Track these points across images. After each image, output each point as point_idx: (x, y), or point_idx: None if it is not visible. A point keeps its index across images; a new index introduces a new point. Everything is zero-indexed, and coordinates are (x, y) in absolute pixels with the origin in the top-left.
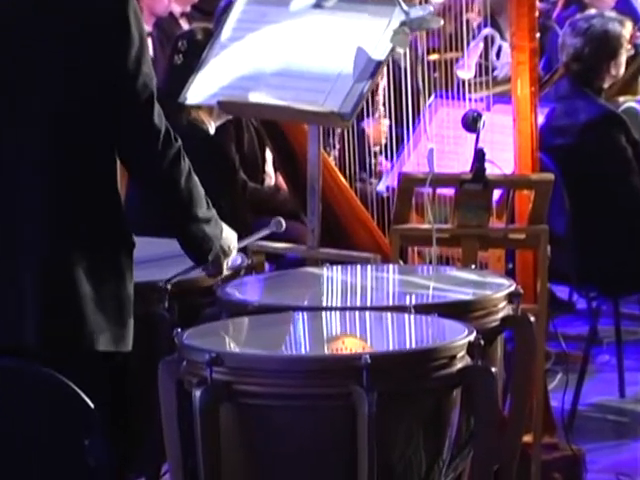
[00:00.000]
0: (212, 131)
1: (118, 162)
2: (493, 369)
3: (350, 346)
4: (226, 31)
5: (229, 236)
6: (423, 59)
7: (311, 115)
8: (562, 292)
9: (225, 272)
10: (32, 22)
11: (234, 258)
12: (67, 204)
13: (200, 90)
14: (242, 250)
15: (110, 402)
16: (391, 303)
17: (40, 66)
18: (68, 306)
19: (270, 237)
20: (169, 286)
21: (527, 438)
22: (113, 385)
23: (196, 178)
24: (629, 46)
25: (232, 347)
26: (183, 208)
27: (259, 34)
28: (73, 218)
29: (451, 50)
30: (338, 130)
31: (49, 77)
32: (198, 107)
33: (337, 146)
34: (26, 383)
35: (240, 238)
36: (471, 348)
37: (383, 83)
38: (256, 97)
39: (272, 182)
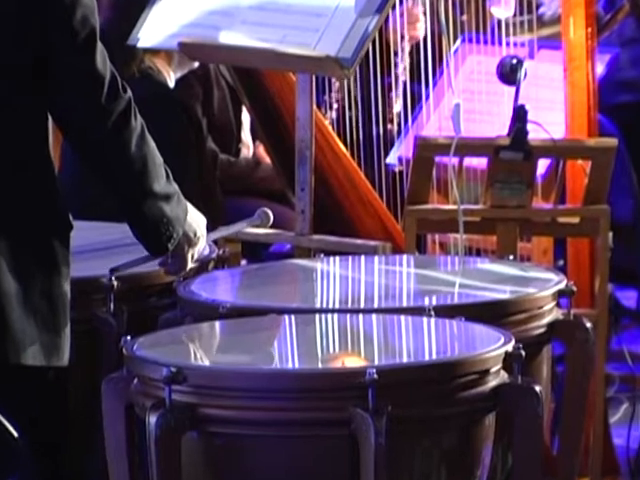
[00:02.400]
0: (171, 84)
1: (51, 122)
2: (537, 388)
3: (352, 360)
4: None
5: (196, 220)
6: None
7: (300, 61)
8: (629, 298)
9: (189, 267)
10: None
11: (201, 249)
12: None
13: (156, 29)
14: (212, 241)
15: (41, 431)
16: (405, 304)
17: None
18: None
19: None
20: (115, 281)
21: None
22: (45, 409)
23: (152, 142)
24: None
25: (197, 360)
26: (134, 180)
27: None
28: None
29: None
30: (336, 82)
31: None
32: (153, 52)
33: (335, 105)
34: None
35: (209, 223)
36: (508, 361)
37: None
38: (229, 38)
39: (250, 153)
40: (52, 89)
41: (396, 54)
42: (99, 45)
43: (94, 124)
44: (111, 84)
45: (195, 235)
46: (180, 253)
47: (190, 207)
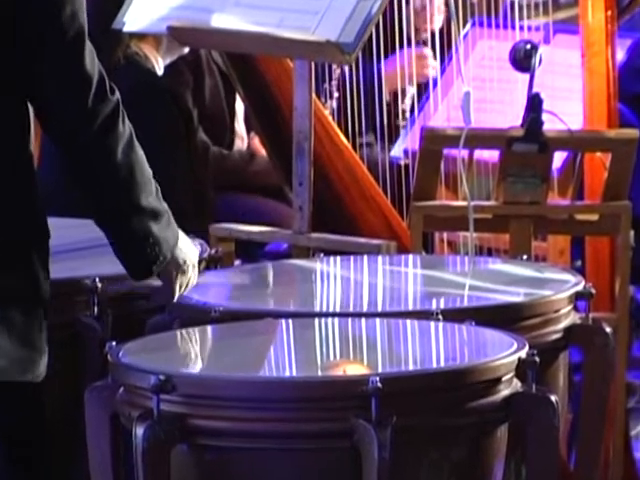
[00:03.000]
0: (160, 72)
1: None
2: (553, 398)
3: (354, 367)
4: None
5: (187, 248)
6: None
7: (298, 47)
8: None
9: (176, 298)
10: None
11: (192, 282)
12: None
13: (143, 12)
14: (202, 236)
15: (19, 449)
16: (411, 307)
17: None
18: None
19: (244, 219)
20: (99, 283)
21: None
22: (22, 426)
23: (141, 151)
24: None
25: (188, 367)
26: (118, 189)
27: None
28: None
29: None
30: (337, 69)
31: None
32: (140, 37)
33: (336, 94)
34: None
35: (200, 221)
36: (522, 369)
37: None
38: (222, 21)
39: (244, 145)
40: (37, 89)
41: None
42: (88, 44)
43: (79, 127)
44: (99, 85)
45: (185, 263)
46: (167, 279)
47: (182, 234)
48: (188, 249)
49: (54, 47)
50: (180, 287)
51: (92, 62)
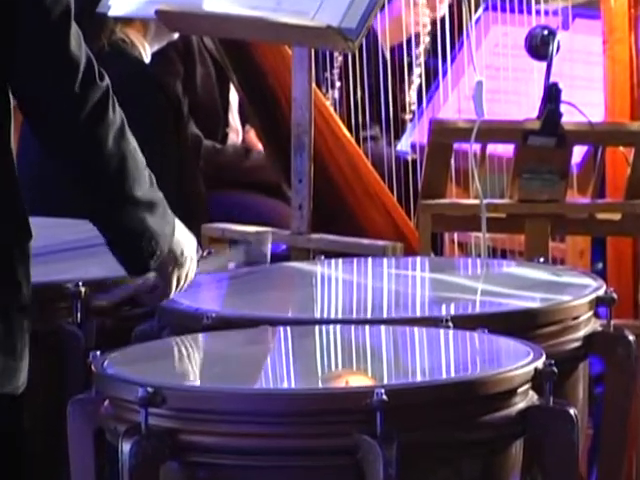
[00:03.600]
0: (147, 59)
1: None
2: (572, 411)
3: (357, 379)
4: None
5: (184, 239)
6: None
7: (297, 33)
8: None
9: (173, 294)
10: None
11: (191, 275)
12: None
13: None
14: (195, 226)
15: None
16: (418, 314)
17: None
18: None
19: (238, 219)
20: (83, 287)
21: None
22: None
23: (134, 141)
24: None
25: (178, 379)
26: (110, 181)
27: None
28: None
29: None
30: (339, 56)
31: None
32: (126, 22)
33: (338, 83)
34: None
35: (190, 220)
36: (538, 380)
37: None
38: (214, 5)
39: (239, 139)
40: (19, 74)
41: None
42: (74, 25)
43: (66, 115)
44: (87, 70)
45: (182, 255)
46: (164, 274)
47: (178, 223)
48: (185, 240)
49: (36, 28)
50: (178, 282)
51: (78, 45)
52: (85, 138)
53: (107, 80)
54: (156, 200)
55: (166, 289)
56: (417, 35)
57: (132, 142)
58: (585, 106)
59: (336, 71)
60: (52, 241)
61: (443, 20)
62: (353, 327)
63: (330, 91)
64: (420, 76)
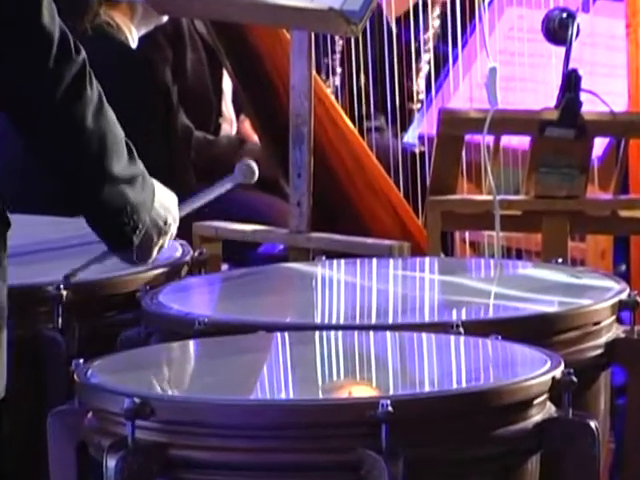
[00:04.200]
0: (134, 44)
1: None
2: (592, 424)
3: (361, 389)
4: None
5: (165, 203)
6: None
7: (296, 15)
8: None
9: (154, 257)
10: None
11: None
12: None
13: None
14: (184, 236)
15: None
16: (427, 319)
17: None
18: None
19: (232, 216)
20: (64, 290)
21: None
22: None
23: (112, 114)
24: None
25: (168, 389)
26: (89, 161)
27: None
28: None
29: None
30: (340, 40)
31: None
32: (111, 4)
33: (339, 69)
34: None
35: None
36: (556, 390)
37: None
38: None
39: (233, 129)
40: None
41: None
42: None
43: (40, 92)
44: (61, 43)
45: (166, 223)
46: (147, 245)
47: (158, 187)
48: (165, 201)
49: (4, 2)
50: (160, 249)
51: (51, 17)
52: (62, 117)
53: (83, 54)
54: (135, 172)
55: (146, 257)
56: (425, 6)
57: (111, 117)
58: (607, 95)
59: (337, 56)
60: (31, 240)
61: (454, 2)
62: (356, 333)
63: (331, 78)
64: (429, 62)
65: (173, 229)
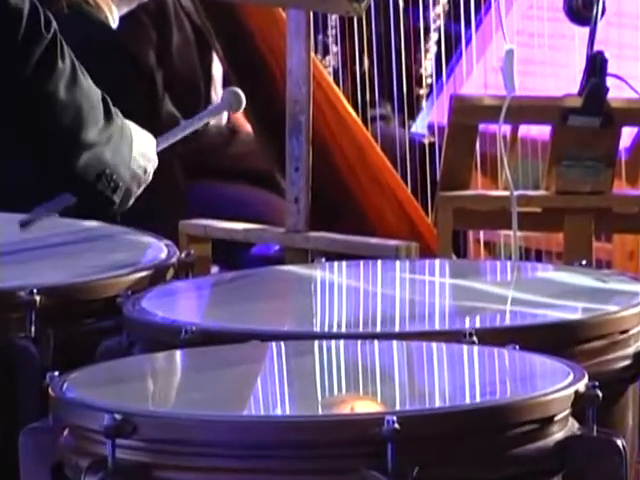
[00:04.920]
0: (114, 24)
1: None
2: (619, 442)
3: (364, 404)
4: None
5: (143, 148)
6: None
7: None
8: None
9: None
10: None
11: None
12: None
13: None
14: (170, 235)
15: None
16: (437, 327)
17: None
18: None
19: (222, 214)
20: (38, 295)
21: None
22: None
23: (86, 79)
24: None
25: (151, 404)
26: (65, 134)
27: None
28: None
29: None
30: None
31: None
32: None
33: (334, 48)
34: None
35: (166, 216)
36: (580, 405)
37: None
38: None
39: (224, 118)
40: None
41: None
42: None
43: (9, 69)
44: (31, 17)
45: (145, 172)
46: (126, 199)
47: (135, 132)
48: (145, 149)
49: None
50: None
51: None
52: (34, 92)
53: (54, 26)
54: (111, 130)
55: (125, 204)
56: None
57: (85, 84)
58: (635, 79)
59: (332, 32)
60: (1, 240)
61: None
62: (359, 343)
63: (327, 57)
64: (438, 43)
65: (151, 174)
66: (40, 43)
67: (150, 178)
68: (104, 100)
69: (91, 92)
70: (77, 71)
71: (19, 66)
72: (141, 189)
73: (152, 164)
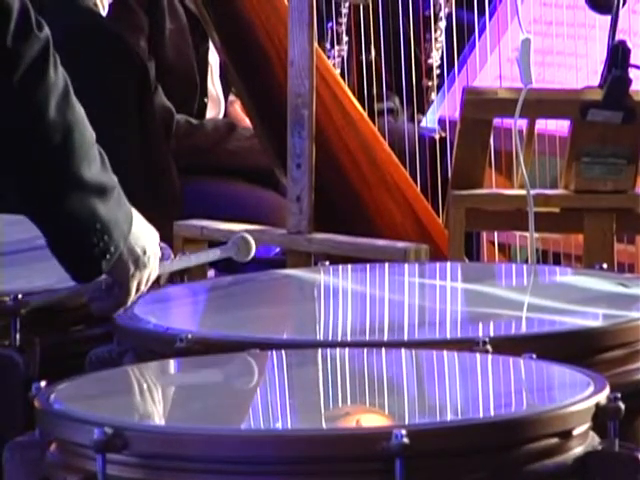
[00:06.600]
0: (103, 11)
1: None
2: None
3: (371, 417)
4: None
5: (144, 232)
6: None
7: None
8: None
9: (132, 295)
10: None
11: (152, 277)
12: None
13: None
14: (163, 237)
15: None
16: (448, 335)
17: None
18: None
19: (219, 214)
20: (23, 302)
21: None
22: None
23: (81, 109)
24: None
25: (144, 417)
26: (52, 160)
27: None
28: None
29: None
30: (346, 2)
31: None
32: None
33: (345, 38)
34: None
35: (159, 216)
36: (601, 418)
37: None
38: None
39: (220, 112)
40: None
41: None
42: None
43: None
44: (21, 18)
45: (145, 253)
46: (121, 278)
47: (136, 213)
48: (146, 233)
49: None
50: (138, 287)
51: None
52: (21, 103)
53: (47, 31)
54: (108, 184)
55: (123, 296)
56: None
57: (79, 111)
58: None
59: (344, 20)
60: None
61: None
62: (365, 352)
63: (336, 48)
64: (448, 32)
65: (152, 265)
66: (31, 46)
67: (149, 265)
68: (100, 152)
69: (85, 126)
70: (71, 93)
71: (6, 69)
72: (140, 276)
73: (153, 252)
